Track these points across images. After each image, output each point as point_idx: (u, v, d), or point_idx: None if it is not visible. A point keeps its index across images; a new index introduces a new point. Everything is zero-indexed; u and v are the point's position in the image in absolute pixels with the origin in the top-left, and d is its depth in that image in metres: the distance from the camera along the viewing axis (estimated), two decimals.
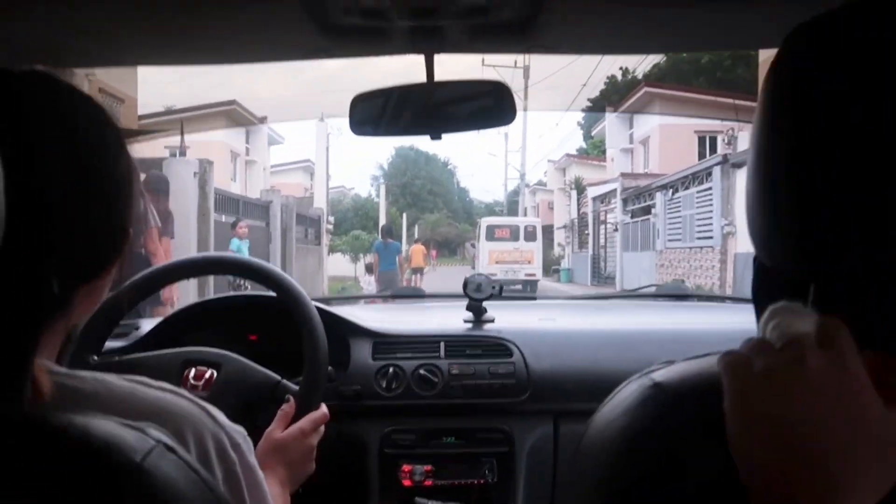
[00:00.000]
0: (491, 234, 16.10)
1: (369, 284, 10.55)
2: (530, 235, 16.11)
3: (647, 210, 14.78)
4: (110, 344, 1.21)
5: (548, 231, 32.41)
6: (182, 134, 10.69)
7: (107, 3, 0.81)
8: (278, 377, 1.10)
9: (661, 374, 0.47)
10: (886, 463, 0.36)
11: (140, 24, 0.90)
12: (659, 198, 13.87)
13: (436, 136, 1.05)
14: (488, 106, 1.04)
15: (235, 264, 1.27)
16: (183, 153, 10.86)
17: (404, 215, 36.30)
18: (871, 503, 0.36)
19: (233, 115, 16.94)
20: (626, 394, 0.48)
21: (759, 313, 0.45)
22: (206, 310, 1.42)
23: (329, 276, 17.33)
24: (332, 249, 22.02)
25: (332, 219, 20.04)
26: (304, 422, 1.00)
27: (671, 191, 13.40)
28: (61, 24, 0.86)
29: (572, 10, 0.88)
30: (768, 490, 0.37)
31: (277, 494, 0.90)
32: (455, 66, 1.17)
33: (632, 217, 15.79)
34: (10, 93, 0.50)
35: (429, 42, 0.97)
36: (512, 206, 38.53)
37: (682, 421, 0.43)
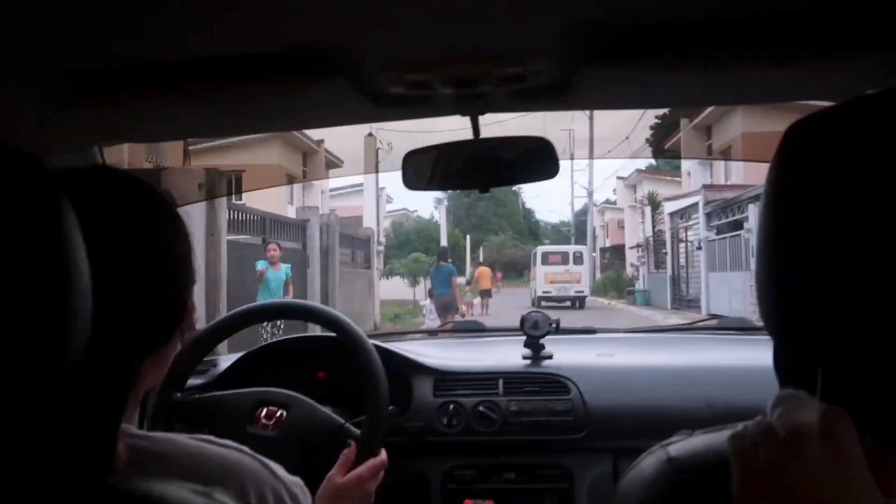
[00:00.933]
0: (545, 259, 20.77)
1: (431, 312, 10.69)
2: (578, 259, 20.59)
3: (736, 225, 14.03)
4: (192, 381, 1.39)
5: (618, 251, 31.70)
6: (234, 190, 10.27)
7: (160, 84, 0.90)
8: (342, 421, 1.23)
9: (675, 449, 0.53)
10: None
11: (195, 100, 1.01)
12: (752, 210, 13.00)
13: (484, 189, 1.18)
14: (533, 160, 1.16)
15: (298, 309, 1.42)
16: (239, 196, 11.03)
17: (468, 237, 36.39)
18: None
19: (287, 138, 17.23)
20: (644, 466, 0.54)
21: (779, 381, 0.49)
22: (279, 349, 1.57)
23: (386, 299, 17.40)
24: (390, 273, 22.15)
25: (383, 240, 19.75)
26: (364, 468, 1.10)
27: None
28: (129, 105, 0.97)
29: (605, 74, 0.97)
30: None
31: None
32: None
33: (717, 233, 15.19)
34: (83, 189, 0.55)
35: (472, 105, 1.08)
36: (580, 227, 37.89)
37: (691, 495, 0.49)
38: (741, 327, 1.93)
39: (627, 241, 27.72)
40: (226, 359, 1.65)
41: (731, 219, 14.40)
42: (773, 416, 0.44)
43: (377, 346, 1.28)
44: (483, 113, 1.12)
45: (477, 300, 17.82)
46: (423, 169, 1.20)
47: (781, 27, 0.78)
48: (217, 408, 1.28)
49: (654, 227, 20.79)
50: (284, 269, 7.96)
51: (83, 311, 0.50)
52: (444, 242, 26.45)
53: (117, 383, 0.57)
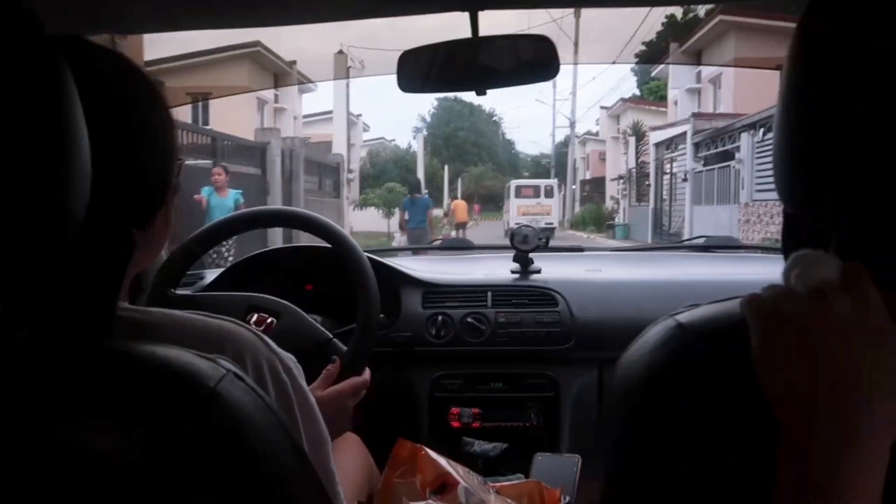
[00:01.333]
0: (518, 192, 22.23)
1: (401, 243, 10.60)
2: (549, 192, 22.22)
3: (726, 155, 13.35)
4: (178, 292, 1.39)
5: (599, 184, 30.98)
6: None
7: None
8: (330, 335, 1.24)
9: (684, 316, 0.53)
10: None
11: None
12: (745, 140, 12.37)
13: (481, 91, 1.16)
14: (532, 60, 1.14)
15: (294, 217, 1.40)
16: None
17: (446, 168, 36.05)
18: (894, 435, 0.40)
19: (257, 58, 16.31)
20: (651, 334, 0.54)
21: (784, 249, 0.50)
22: (265, 261, 1.58)
23: (359, 231, 17.39)
24: (364, 203, 21.59)
25: (354, 167, 19.13)
26: (345, 385, 1.11)
27: (762, 130, 11.76)
28: None
29: None
30: (797, 423, 0.41)
31: None
32: (499, 21, 1.27)
33: (704, 165, 14.65)
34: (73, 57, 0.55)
35: None
36: (560, 159, 37.64)
37: (701, 358, 0.49)
38: (728, 245, 1.98)
39: (609, 173, 27.14)
40: (212, 272, 1.65)
41: (720, 149, 13.79)
42: (791, 276, 0.44)
43: (370, 259, 1.29)
44: (484, 8, 1.09)
45: (453, 233, 17.98)
46: (418, 70, 1.17)
47: None
48: (209, 308, 1.28)
49: (637, 158, 20.43)
50: (233, 195, 7.26)
51: (83, 173, 0.51)
52: (420, 173, 26.19)
53: (116, 250, 0.58)
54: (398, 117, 71.60)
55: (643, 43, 22.83)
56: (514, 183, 23.33)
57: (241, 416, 0.53)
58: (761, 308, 0.44)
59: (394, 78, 1.18)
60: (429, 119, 50.06)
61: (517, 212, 21.34)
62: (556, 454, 1.34)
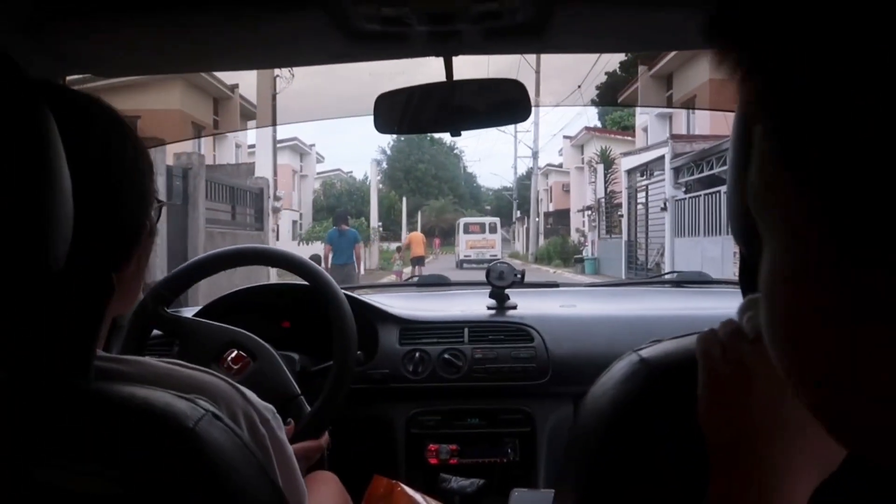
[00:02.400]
0: (466, 228, 26.86)
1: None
2: (493, 229, 26.80)
3: (711, 181, 12.34)
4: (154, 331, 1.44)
5: (563, 216, 30.96)
6: None
7: (131, 13, 0.95)
8: (299, 391, 1.29)
9: (647, 351, 0.56)
10: (832, 446, 0.40)
11: (174, 34, 1.06)
12: None
13: (456, 133, 1.27)
14: (505, 102, 1.25)
15: (271, 256, 1.47)
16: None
17: (404, 199, 36.14)
18: (817, 481, 0.43)
19: (193, 80, 15.31)
20: (616, 369, 0.57)
21: (742, 289, 0.53)
22: (244, 298, 1.64)
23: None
24: (310, 237, 21.08)
25: (282, 193, 18.70)
26: (299, 446, 1.15)
27: None
28: (96, 35, 1.02)
29: (583, 13, 1.06)
30: (725, 465, 0.44)
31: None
32: (465, 61, 1.37)
33: (686, 192, 13.63)
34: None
35: (446, 45, 1.16)
36: (523, 191, 37.91)
37: (663, 395, 0.52)
38: (699, 280, 2.11)
39: (573, 204, 27.60)
40: (188, 309, 1.71)
41: (705, 173, 12.85)
42: (743, 319, 0.47)
43: (347, 296, 1.37)
44: (457, 53, 1.20)
45: (408, 269, 17.48)
46: (394, 112, 1.27)
47: None
48: (191, 332, 1.33)
49: (606, 187, 20.26)
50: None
51: (65, 217, 0.54)
52: (373, 203, 25.94)
53: (95, 293, 0.60)
54: (357, 150, 72.08)
55: (606, 73, 23.39)
56: (462, 221, 27.99)
57: (219, 456, 0.56)
58: (709, 350, 0.47)
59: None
60: (388, 151, 50.41)
61: (465, 246, 26.04)
62: (533, 489, 1.42)
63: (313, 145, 28.92)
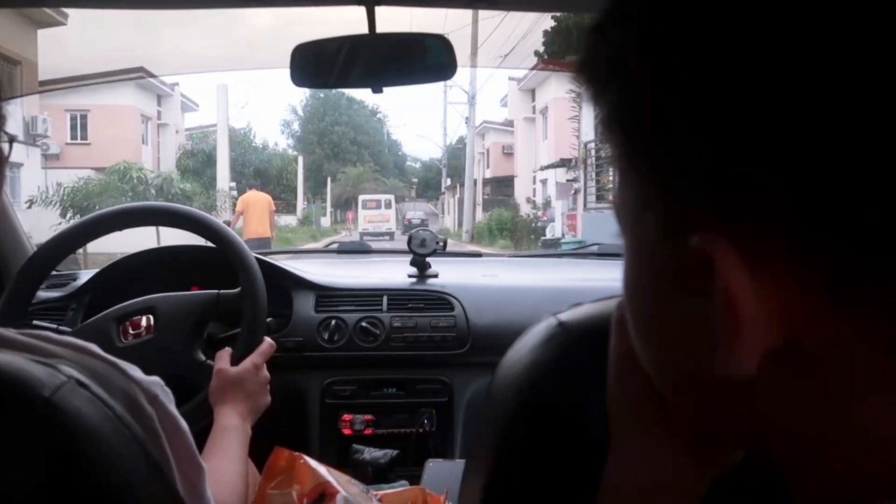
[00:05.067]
0: (364, 205, 32.13)
1: None
2: (388, 205, 31.98)
3: None
4: (45, 294, 1.42)
5: (504, 184, 28.21)
6: None
7: None
8: (215, 291, 1.35)
9: (566, 315, 0.57)
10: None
11: None
12: None
13: (377, 89, 1.30)
14: (430, 59, 1.29)
15: (169, 213, 1.44)
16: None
17: (300, 159, 34.63)
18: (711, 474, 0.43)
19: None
20: (533, 333, 0.58)
21: None
22: (146, 260, 1.63)
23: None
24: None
25: (50, 142, 18.14)
26: (255, 356, 1.23)
27: None
28: None
29: None
30: (615, 442, 0.46)
31: (238, 426, 1.13)
32: (396, 18, 1.41)
33: None
34: None
35: None
36: (454, 159, 37.33)
37: (581, 358, 0.52)
38: (619, 253, 2.23)
39: (521, 167, 25.38)
40: (86, 272, 1.68)
41: None
42: None
43: (258, 260, 1.39)
44: (380, 3, 1.22)
45: None
46: (312, 64, 1.28)
47: None
48: (96, 295, 1.36)
49: (596, 129, 14.65)
50: None
51: None
52: (221, 159, 21.17)
53: None
54: (267, 111, 70.46)
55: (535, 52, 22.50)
56: (361, 198, 33.20)
57: (82, 430, 0.51)
58: (621, 315, 0.47)
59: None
60: (300, 112, 49.22)
61: (364, 220, 31.06)
62: (449, 460, 1.49)
63: (176, 84, 24.98)
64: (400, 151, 58.80)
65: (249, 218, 10.92)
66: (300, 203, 33.65)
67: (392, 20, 1.33)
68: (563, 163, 18.37)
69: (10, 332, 0.60)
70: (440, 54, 1.28)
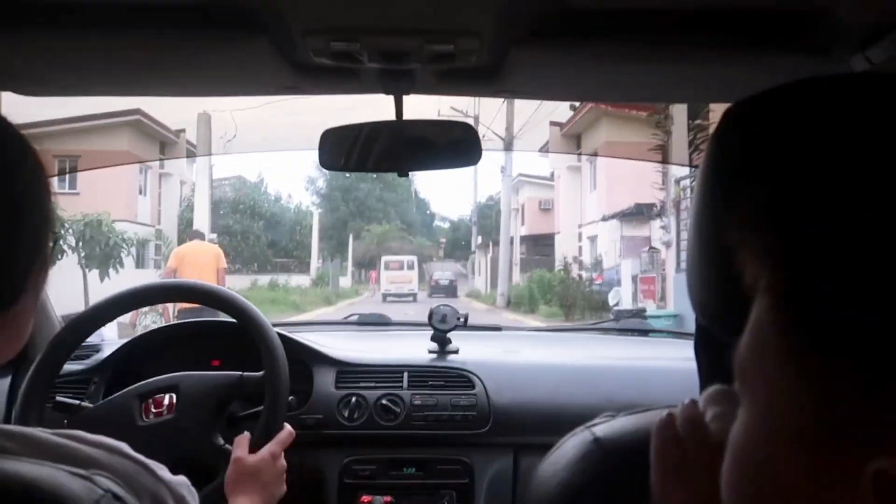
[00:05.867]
0: (387, 265, 32.47)
1: None
2: (411, 266, 32.37)
3: None
4: (68, 366, 1.47)
5: (542, 242, 25.63)
6: None
7: (78, 33, 0.99)
8: (238, 372, 1.38)
9: (601, 429, 0.57)
10: None
11: (108, 54, 1.11)
12: None
13: (403, 173, 1.36)
14: (455, 145, 1.34)
15: (192, 291, 1.52)
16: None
17: (315, 214, 34.03)
18: None
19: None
20: (567, 448, 0.58)
21: (699, 364, 0.55)
22: (168, 335, 1.68)
23: None
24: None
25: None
26: (273, 445, 1.26)
27: None
28: (25, 50, 1.06)
29: (535, 60, 1.14)
30: None
31: None
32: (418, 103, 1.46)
33: None
34: None
35: (398, 84, 1.24)
36: (484, 218, 36.37)
37: (618, 478, 0.53)
38: (639, 329, 2.25)
39: (562, 223, 23.28)
40: (109, 344, 1.73)
41: None
42: (708, 415, 0.46)
43: (280, 335, 1.42)
44: (408, 93, 1.28)
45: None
46: (340, 148, 1.35)
47: (725, 22, 0.93)
48: (97, 421, 1.36)
49: (691, 164, 12.40)
50: None
51: None
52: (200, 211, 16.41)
53: None
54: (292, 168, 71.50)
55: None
56: (384, 259, 33.58)
57: None
58: (665, 441, 0.46)
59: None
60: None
61: (387, 281, 31.45)
62: None
63: (182, 131, 20.90)
64: (428, 210, 59.05)
65: (188, 276, 8.07)
66: (314, 261, 32.97)
67: (418, 107, 1.39)
68: (640, 209, 15.80)
69: (44, 434, 0.61)
70: (466, 141, 1.33)
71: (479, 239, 35.53)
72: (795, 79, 0.43)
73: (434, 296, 28.30)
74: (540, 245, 27.37)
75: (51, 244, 0.67)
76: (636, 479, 0.46)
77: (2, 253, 0.60)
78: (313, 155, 1.34)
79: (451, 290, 31.31)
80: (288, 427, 1.33)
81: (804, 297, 0.34)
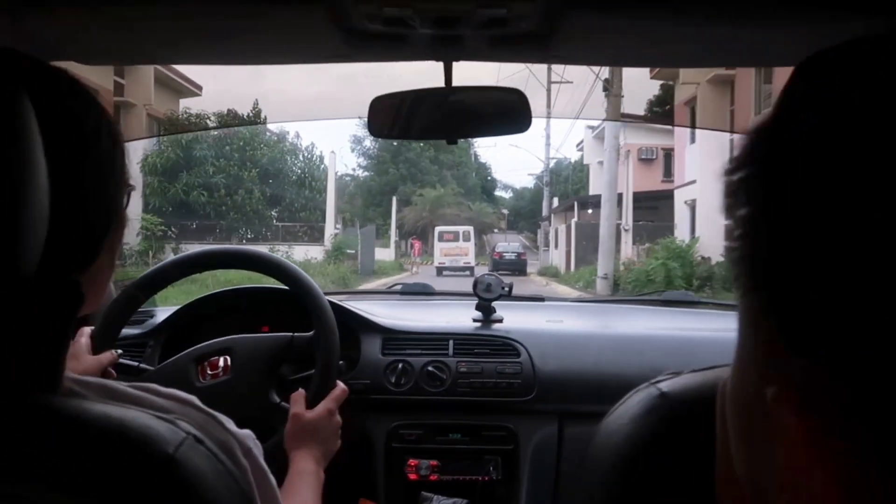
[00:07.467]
0: (441, 237, 30.44)
1: None
2: (466, 237, 30.20)
3: None
4: (127, 331, 1.57)
5: (651, 205, 20.23)
6: None
7: (142, 2, 1.02)
8: (289, 334, 1.46)
9: (667, 385, 0.58)
10: None
11: (167, 23, 1.15)
12: None
13: (452, 140, 1.39)
14: (504, 112, 1.37)
15: (247, 257, 1.59)
16: None
17: (330, 157, 25.53)
18: None
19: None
20: (633, 402, 0.59)
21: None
22: (220, 301, 1.76)
23: None
24: None
25: None
26: (329, 401, 1.34)
27: None
28: (89, 21, 1.10)
29: (588, 24, 1.14)
30: None
31: (313, 471, 1.23)
32: (471, 72, 1.49)
33: None
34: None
35: (448, 50, 1.27)
36: (557, 183, 34.69)
37: (684, 432, 0.53)
38: (684, 300, 2.26)
39: (603, 214, 20.14)
40: (163, 310, 1.84)
41: None
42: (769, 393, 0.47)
43: (330, 302, 1.49)
44: (458, 59, 1.30)
45: None
46: (389, 115, 1.39)
47: None
48: (157, 383, 1.47)
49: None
50: None
51: (39, 218, 0.54)
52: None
53: (62, 300, 0.59)
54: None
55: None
56: (437, 229, 31.64)
57: (201, 485, 0.57)
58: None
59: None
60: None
61: (441, 253, 29.66)
62: None
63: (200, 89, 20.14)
64: (489, 176, 56.58)
65: None
66: (329, 226, 24.14)
67: (468, 73, 1.42)
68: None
69: (122, 386, 0.67)
70: (515, 108, 1.36)
71: (556, 202, 30.97)
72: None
73: (499, 272, 24.44)
74: (646, 209, 20.37)
75: (125, 201, 0.70)
76: (703, 433, 0.47)
77: (79, 216, 0.63)
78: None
79: (519, 266, 26.92)
80: (341, 384, 1.40)
81: None
